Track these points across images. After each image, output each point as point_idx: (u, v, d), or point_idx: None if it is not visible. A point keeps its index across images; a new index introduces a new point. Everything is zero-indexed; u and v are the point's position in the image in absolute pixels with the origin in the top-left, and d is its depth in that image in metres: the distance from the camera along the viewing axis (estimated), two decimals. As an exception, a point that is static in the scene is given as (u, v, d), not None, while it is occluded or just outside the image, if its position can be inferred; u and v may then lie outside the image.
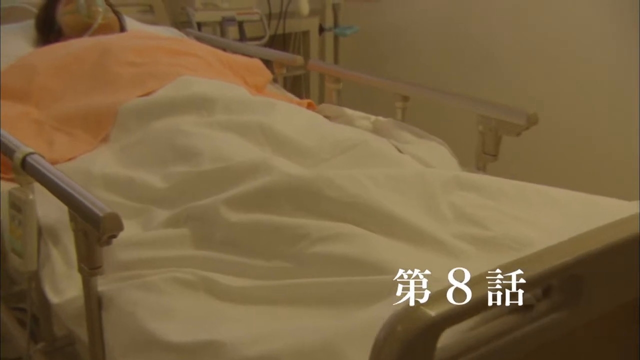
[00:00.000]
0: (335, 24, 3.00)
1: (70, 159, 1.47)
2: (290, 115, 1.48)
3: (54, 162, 1.42)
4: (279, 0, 2.99)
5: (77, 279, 1.12)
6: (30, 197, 1.15)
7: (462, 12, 2.81)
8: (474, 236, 1.04)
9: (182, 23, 2.80)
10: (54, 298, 1.12)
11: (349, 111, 1.87)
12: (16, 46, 2.01)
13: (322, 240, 1.01)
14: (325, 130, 1.42)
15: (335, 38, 3.05)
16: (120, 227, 0.91)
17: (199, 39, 2.48)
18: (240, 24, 2.83)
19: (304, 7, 2.83)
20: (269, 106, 1.49)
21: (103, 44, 1.73)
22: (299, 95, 2.20)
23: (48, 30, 2.02)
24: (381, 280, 0.87)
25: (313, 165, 1.30)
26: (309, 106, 1.92)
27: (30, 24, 2.10)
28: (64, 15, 1.98)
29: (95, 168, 1.38)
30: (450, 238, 1.03)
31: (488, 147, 1.40)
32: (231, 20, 2.76)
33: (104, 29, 1.96)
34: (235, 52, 2.31)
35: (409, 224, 1.04)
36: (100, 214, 0.90)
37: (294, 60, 2.04)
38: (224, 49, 2.26)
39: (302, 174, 1.12)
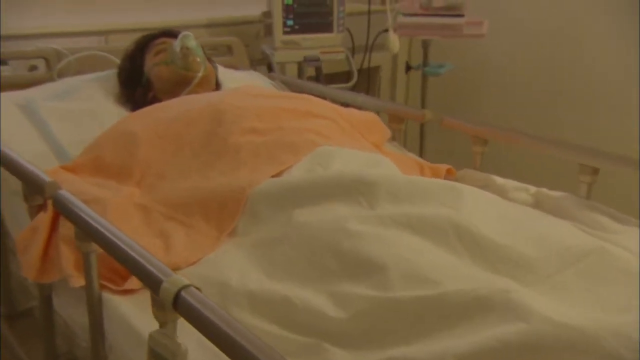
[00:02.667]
0: (425, 62, 2.68)
1: (193, 262, 1.16)
2: (481, 204, 1.15)
3: (174, 267, 1.10)
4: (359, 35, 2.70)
5: None
6: (183, 347, 0.84)
7: (572, 50, 2.49)
8: None
9: (257, 60, 2.51)
10: None
11: (498, 179, 1.55)
12: (95, 101, 1.71)
13: None
14: (535, 228, 1.09)
15: (424, 77, 2.72)
16: None
17: (287, 84, 2.18)
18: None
19: (394, 43, 2.51)
20: (450, 192, 1.15)
21: (214, 105, 1.42)
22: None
23: (134, 83, 1.71)
24: None
25: (534, 283, 0.97)
26: (449, 173, 1.60)
27: (110, 75, 1.80)
28: (155, 66, 1.68)
29: (233, 279, 1.06)
30: None
31: None
32: (314, 60, 2.45)
33: (202, 83, 1.66)
34: (335, 100, 2.00)
35: None
36: None
37: (422, 115, 1.72)
38: (323, 97, 1.95)
39: (576, 323, 0.79)
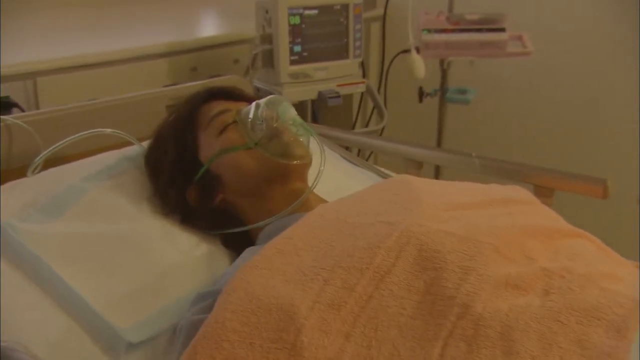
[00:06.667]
0: (443, 87, 2.17)
1: None
2: None
3: None
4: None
5: None
6: None
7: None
8: None
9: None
10: None
11: None
12: (119, 215, 1.01)
13: None
14: None
15: (441, 106, 2.20)
16: None
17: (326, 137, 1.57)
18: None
19: (419, 67, 1.98)
20: None
21: (406, 235, 0.79)
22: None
23: (184, 179, 1.03)
24: None
25: None
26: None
27: (124, 162, 1.10)
28: (225, 153, 1.00)
29: None
30: None
31: None
32: (334, 96, 1.86)
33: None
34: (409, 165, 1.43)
35: None
36: None
37: (602, 188, 1.21)
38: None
39: None
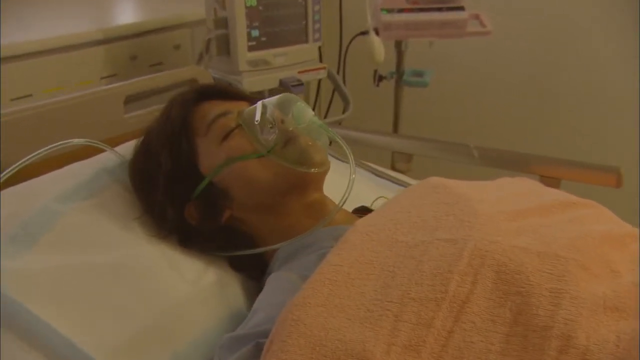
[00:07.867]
0: (399, 69, 2.07)
1: None
2: None
3: None
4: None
5: None
6: None
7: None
8: None
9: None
10: None
11: None
12: (107, 240, 0.85)
13: None
14: None
15: (397, 89, 2.11)
16: None
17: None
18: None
19: (379, 49, 1.88)
20: None
21: (479, 255, 0.67)
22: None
23: (181, 194, 0.87)
24: None
25: None
26: None
27: (102, 175, 0.92)
28: (233, 162, 0.85)
29: None
30: None
31: None
32: (297, 84, 1.72)
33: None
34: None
35: None
36: None
37: (615, 177, 1.15)
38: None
39: None
